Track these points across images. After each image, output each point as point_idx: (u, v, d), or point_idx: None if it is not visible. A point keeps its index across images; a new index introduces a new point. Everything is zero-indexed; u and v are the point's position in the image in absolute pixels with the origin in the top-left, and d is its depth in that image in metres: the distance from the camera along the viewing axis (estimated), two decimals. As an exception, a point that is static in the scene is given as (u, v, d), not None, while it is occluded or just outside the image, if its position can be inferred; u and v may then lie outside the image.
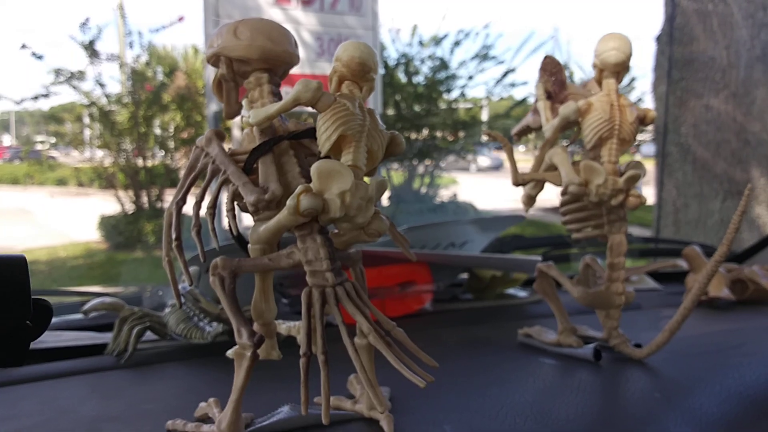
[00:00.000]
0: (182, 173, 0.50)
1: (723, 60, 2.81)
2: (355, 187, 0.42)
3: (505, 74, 5.67)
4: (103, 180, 5.99)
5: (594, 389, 0.55)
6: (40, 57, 5.55)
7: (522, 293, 0.96)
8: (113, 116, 5.54)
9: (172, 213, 0.47)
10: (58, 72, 5.40)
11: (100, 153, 5.87)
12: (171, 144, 5.98)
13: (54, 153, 7.35)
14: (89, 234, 5.37)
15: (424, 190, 5.61)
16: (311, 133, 0.47)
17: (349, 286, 0.43)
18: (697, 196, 2.87)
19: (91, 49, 5.36)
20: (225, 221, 0.48)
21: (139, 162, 5.50)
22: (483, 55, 5.61)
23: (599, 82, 0.63)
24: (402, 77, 5.56)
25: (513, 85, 5.80)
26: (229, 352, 0.47)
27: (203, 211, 0.48)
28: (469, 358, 0.65)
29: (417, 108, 5.62)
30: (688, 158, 2.88)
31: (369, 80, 0.47)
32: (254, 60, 0.48)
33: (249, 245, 0.47)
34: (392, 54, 5.66)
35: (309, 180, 0.44)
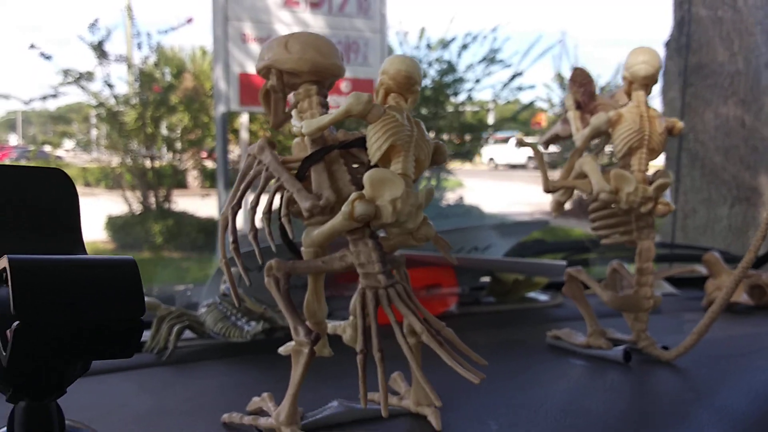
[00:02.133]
0: (238, 178, 0.52)
1: (732, 67, 2.83)
2: (406, 194, 0.45)
3: (513, 78, 5.70)
4: (110, 180, 6.03)
5: (627, 389, 0.58)
6: (48, 57, 5.58)
7: (543, 297, 0.98)
8: (121, 117, 5.57)
9: (228, 217, 0.50)
10: (66, 72, 5.43)
11: (107, 153, 5.91)
12: (179, 145, 6.02)
13: (61, 153, 7.39)
14: (96, 234, 5.39)
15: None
16: (360, 142, 0.50)
17: (399, 287, 0.45)
18: (705, 202, 2.88)
19: (99, 49, 5.39)
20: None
21: (147, 163, 5.52)
22: (490, 59, 5.63)
23: (628, 93, 0.66)
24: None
25: (520, 88, 5.80)
26: (282, 350, 0.50)
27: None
28: (500, 360, 0.68)
29: (424, 111, 5.64)
30: (697, 164, 2.89)
31: (414, 92, 0.49)
32: (304, 72, 0.50)
33: (302, 248, 0.49)
34: (400, 57, 5.68)
35: (359, 187, 0.47)
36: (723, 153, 2.84)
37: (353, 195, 0.44)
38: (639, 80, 0.64)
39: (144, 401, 0.56)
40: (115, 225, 5.35)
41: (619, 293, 0.66)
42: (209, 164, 6.54)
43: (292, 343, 0.48)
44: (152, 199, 5.53)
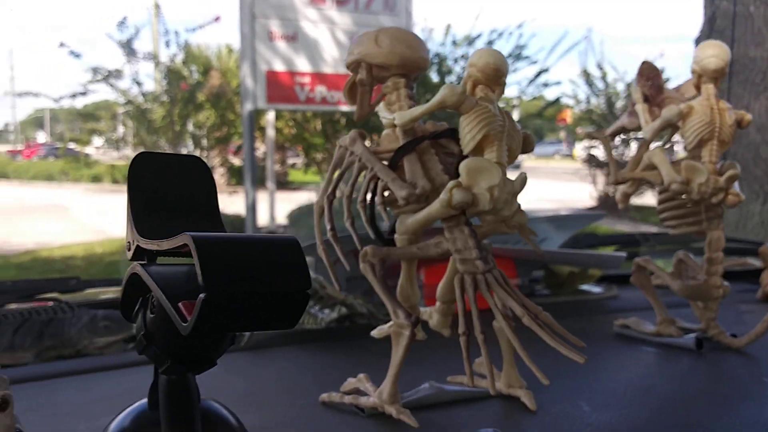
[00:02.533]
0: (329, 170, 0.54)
1: (763, 62, 2.81)
2: (502, 182, 0.46)
3: (538, 74, 5.68)
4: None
5: (702, 374, 0.59)
6: (78, 55, 5.67)
7: (596, 289, 0.99)
8: (149, 114, 5.63)
9: (323, 206, 0.52)
10: (95, 70, 5.50)
11: (135, 150, 5.98)
12: (205, 142, 6.08)
13: (90, 150, 7.49)
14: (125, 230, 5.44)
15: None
16: (449, 133, 0.52)
17: (497, 273, 0.47)
18: (737, 198, 2.87)
19: (128, 47, 5.45)
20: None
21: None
22: (516, 55, 5.62)
23: (698, 86, 0.67)
24: (435, 77, 5.60)
25: (546, 85, 5.79)
26: (376, 333, 0.52)
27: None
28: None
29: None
30: (728, 160, 2.88)
31: (501, 84, 0.51)
32: (394, 66, 0.52)
33: (396, 235, 0.51)
34: (425, 54, 5.69)
35: (451, 176, 0.48)
36: (754, 149, 2.82)
37: (451, 183, 0.46)
38: (709, 73, 0.65)
39: (233, 383, 0.58)
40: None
41: (692, 282, 0.68)
42: (236, 161, 6.60)
43: (386, 326, 0.50)
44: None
